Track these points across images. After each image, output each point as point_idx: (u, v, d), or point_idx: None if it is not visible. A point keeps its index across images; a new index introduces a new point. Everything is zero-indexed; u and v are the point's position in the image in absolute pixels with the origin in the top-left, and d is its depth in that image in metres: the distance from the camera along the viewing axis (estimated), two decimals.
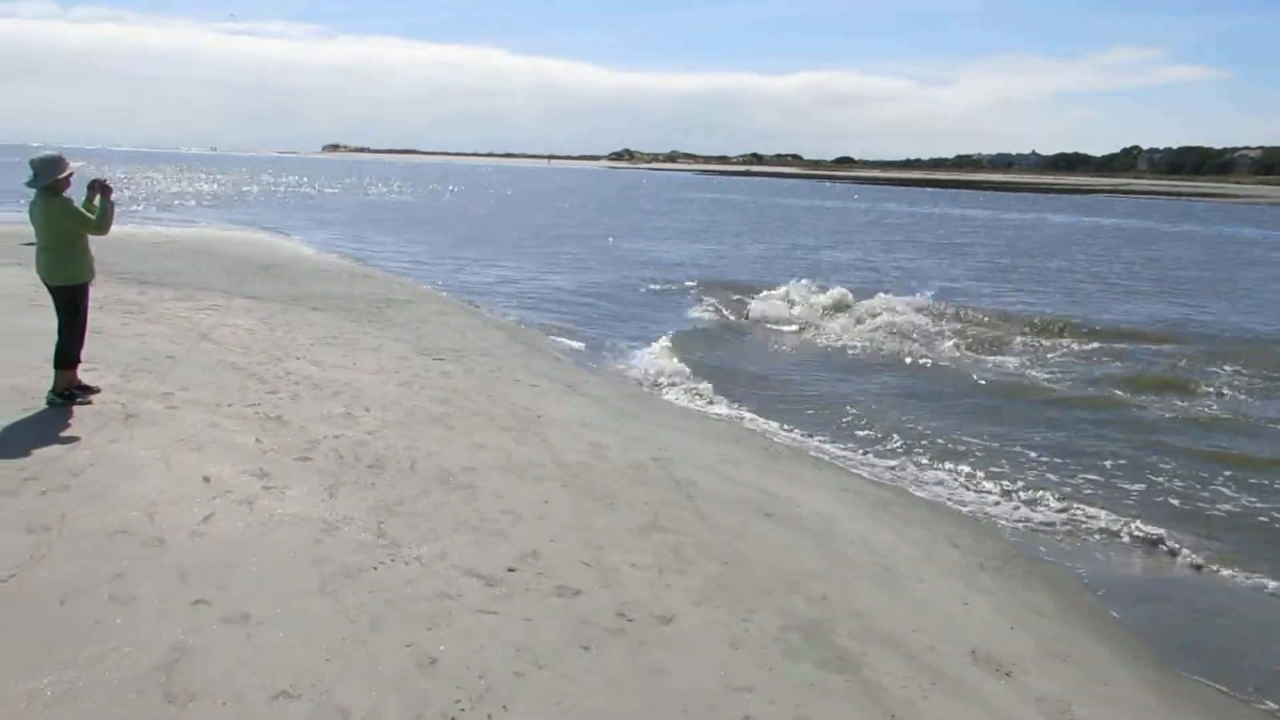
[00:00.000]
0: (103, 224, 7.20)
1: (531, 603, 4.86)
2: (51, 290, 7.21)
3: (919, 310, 18.62)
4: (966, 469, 9.14)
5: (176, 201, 44.47)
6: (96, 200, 7.31)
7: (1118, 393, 12.73)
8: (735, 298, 20.22)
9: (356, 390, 8.79)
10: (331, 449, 6.91)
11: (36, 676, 3.71)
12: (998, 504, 8.33)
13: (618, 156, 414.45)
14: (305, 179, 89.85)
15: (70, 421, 6.84)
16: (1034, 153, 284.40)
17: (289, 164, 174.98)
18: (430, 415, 8.25)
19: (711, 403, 11.19)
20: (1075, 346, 16.32)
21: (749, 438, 9.55)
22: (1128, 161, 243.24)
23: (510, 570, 5.21)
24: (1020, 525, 7.90)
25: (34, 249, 7.24)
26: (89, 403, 7.26)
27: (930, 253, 34.81)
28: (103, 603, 4.31)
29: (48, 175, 6.95)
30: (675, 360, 13.13)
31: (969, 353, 15.27)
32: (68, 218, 7.03)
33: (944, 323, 17.88)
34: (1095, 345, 16.43)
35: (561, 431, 8.28)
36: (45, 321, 9.93)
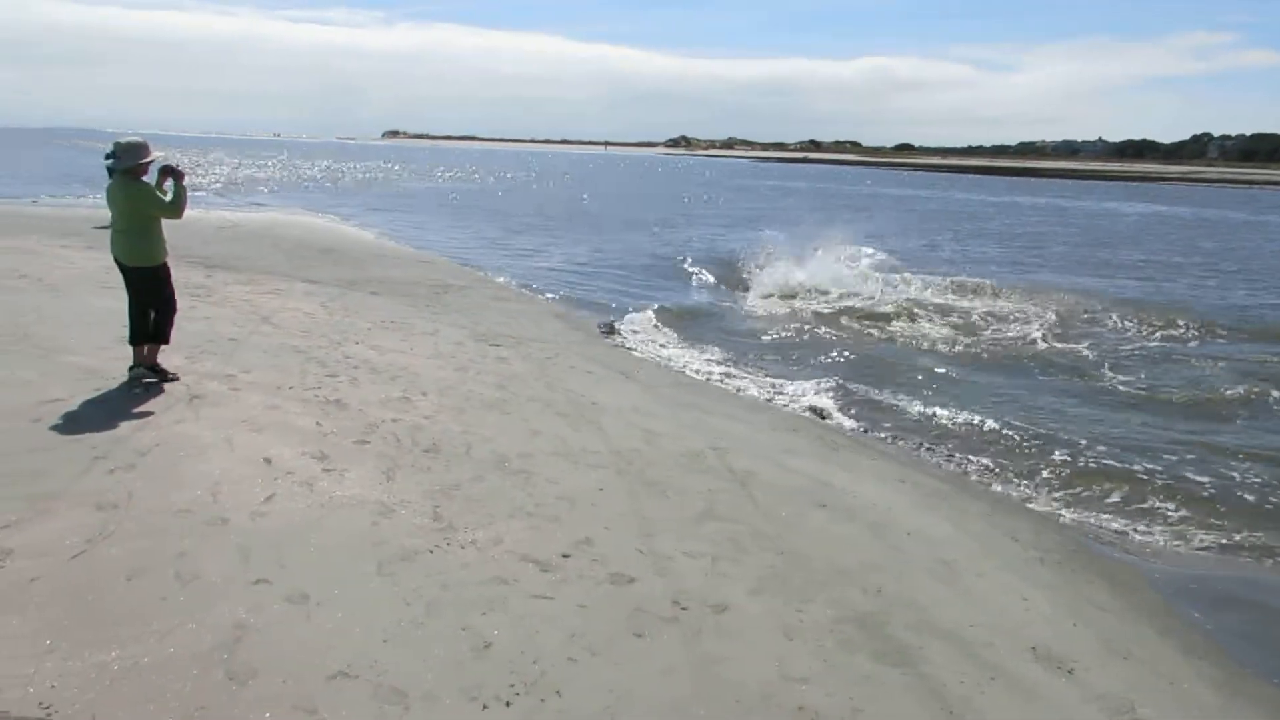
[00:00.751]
0: (178, 208, 7.46)
1: (585, 589, 4.86)
2: (129, 271, 7.45)
3: (995, 298, 18.36)
4: (1026, 460, 8.97)
5: (239, 187, 45.32)
6: (168, 184, 7.50)
7: (1192, 387, 12.36)
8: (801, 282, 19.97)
9: (414, 375, 8.88)
10: (389, 432, 6.98)
11: (105, 650, 3.81)
12: (1058, 496, 8.17)
13: (674, 143, 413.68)
14: (366, 164, 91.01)
15: (138, 402, 7.01)
16: (1100, 139, 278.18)
17: (350, 150, 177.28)
18: (486, 401, 8.31)
19: (779, 392, 11.12)
20: (1149, 336, 15.92)
21: (805, 426, 9.47)
22: (1197, 149, 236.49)
23: (564, 556, 5.22)
24: (1082, 519, 7.73)
25: (107, 231, 7.44)
26: (170, 380, 7.56)
27: (1001, 242, 34.01)
28: (168, 580, 4.40)
29: (130, 159, 7.20)
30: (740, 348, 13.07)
31: (1044, 341, 14.94)
32: (147, 201, 7.30)
33: (1026, 306, 17.62)
34: (1171, 335, 16.01)
35: (616, 418, 8.28)
36: (116, 302, 10.19)
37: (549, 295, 17.14)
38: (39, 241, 15.62)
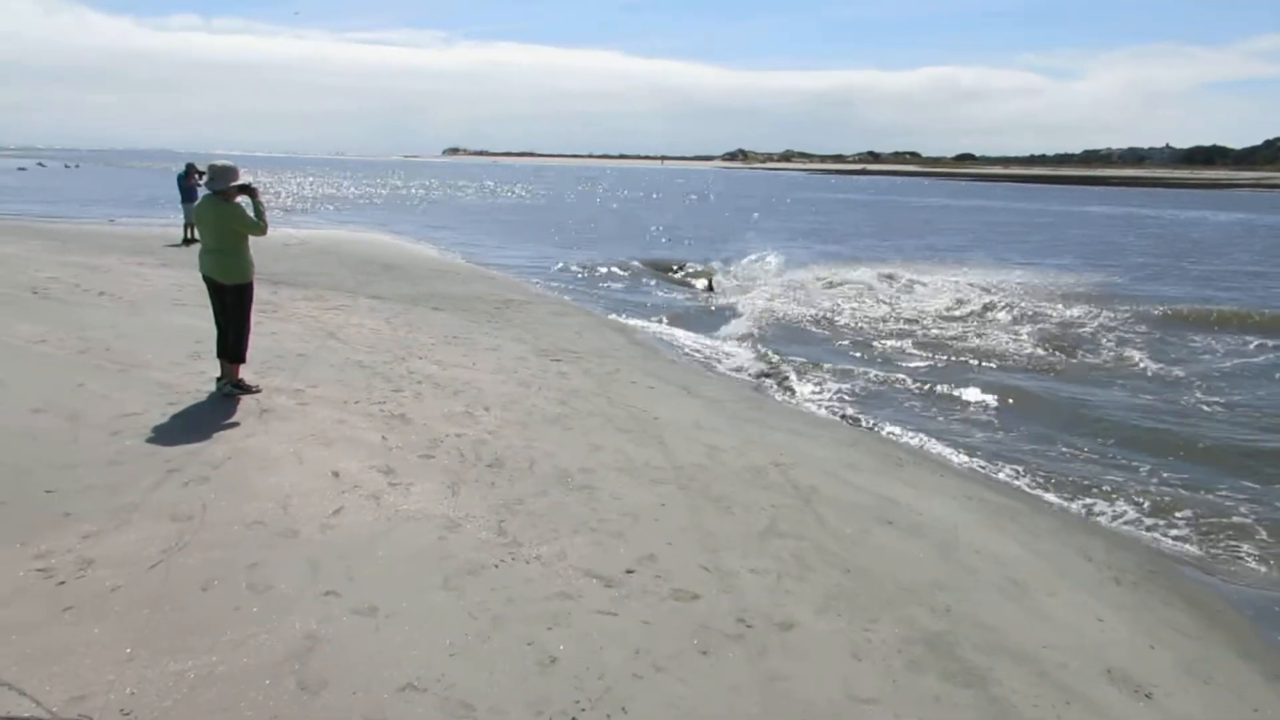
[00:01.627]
0: (262, 225, 7.83)
1: (650, 605, 4.85)
2: (222, 288, 7.77)
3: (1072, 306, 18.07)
4: (1099, 476, 8.76)
5: (304, 204, 46.31)
6: (240, 200, 7.80)
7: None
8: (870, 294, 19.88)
9: (477, 390, 8.97)
10: (453, 447, 7.06)
11: (181, 659, 3.89)
12: (1133, 514, 7.96)
13: (731, 156, 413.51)
14: (427, 182, 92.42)
15: (211, 415, 7.19)
16: (1168, 146, 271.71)
17: (411, 167, 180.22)
18: (548, 415, 8.35)
19: (849, 413, 11.02)
20: (1243, 350, 15.44)
21: (868, 442, 9.36)
22: (1270, 154, 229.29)
23: (628, 572, 5.22)
24: (1158, 538, 7.52)
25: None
26: (253, 393, 7.93)
27: (1082, 253, 33.19)
28: (241, 590, 4.49)
29: (221, 181, 7.64)
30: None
31: (1125, 351, 14.58)
32: (239, 221, 7.67)
33: (1103, 314, 17.27)
34: (1266, 347, 15.54)
35: (677, 433, 8.27)
36: (189, 319, 10.47)
37: (605, 310, 17.22)
38: (118, 260, 16.11)
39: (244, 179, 7.88)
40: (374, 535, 5.31)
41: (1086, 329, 16.67)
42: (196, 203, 8.08)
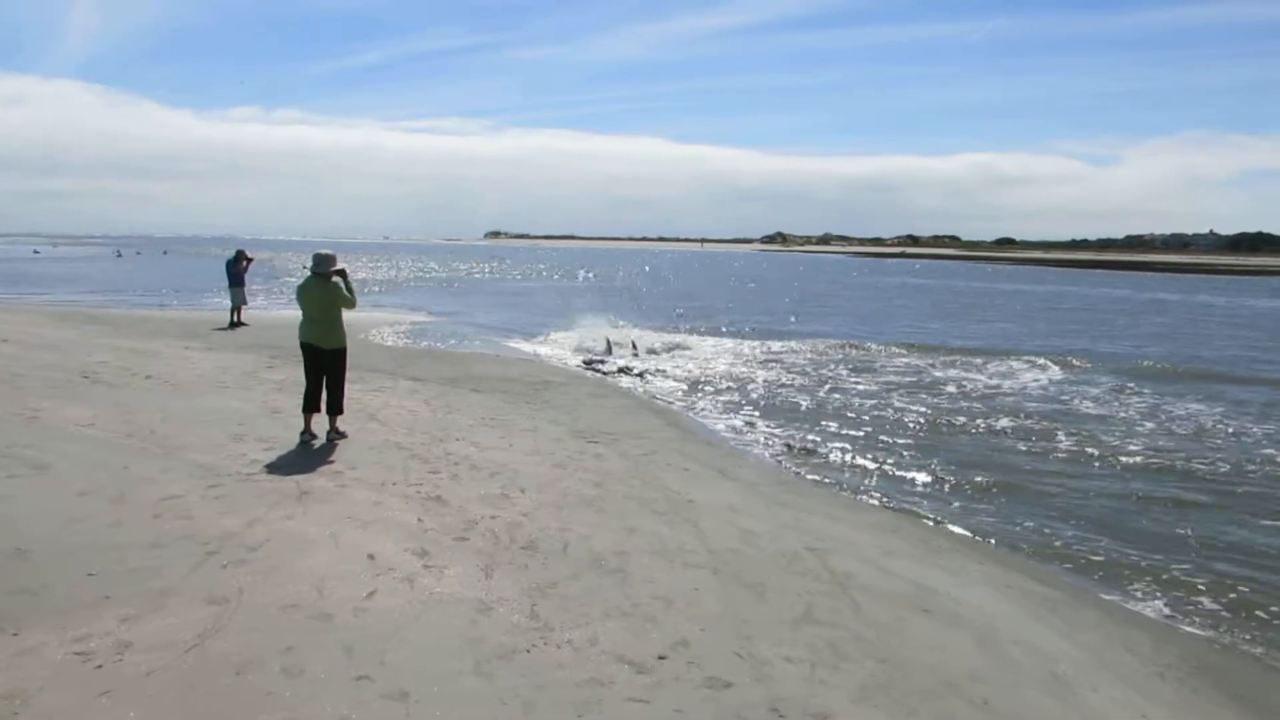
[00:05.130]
0: (354, 300, 9.78)
1: (682, 693, 4.79)
2: (322, 352, 9.51)
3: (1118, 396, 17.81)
4: (1144, 567, 8.53)
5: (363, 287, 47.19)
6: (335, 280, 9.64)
7: None
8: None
9: (513, 471, 9.02)
10: (488, 529, 7.08)
11: None
12: (1180, 607, 7.72)
13: (770, 239, 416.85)
14: (467, 264, 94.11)
15: (251, 498, 7.29)
16: (1212, 232, 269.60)
17: (453, 250, 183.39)
18: (583, 498, 8.36)
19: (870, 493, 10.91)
20: None
21: (906, 527, 9.23)
22: None
23: (661, 658, 5.16)
24: (1207, 632, 7.27)
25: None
26: (343, 438, 9.66)
27: (1155, 340, 32.22)
28: (274, 674, 4.51)
29: (324, 267, 9.52)
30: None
31: (1175, 442, 14.31)
32: (340, 297, 9.58)
33: (1159, 403, 16.99)
34: None
35: (712, 517, 8.24)
36: (232, 402, 10.71)
37: (640, 390, 17.28)
38: (165, 344, 16.53)
39: (341, 266, 9.67)
40: (407, 618, 5.32)
41: (1129, 414, 16.41)
42: (299, 283, 9.83)
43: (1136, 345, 29.05)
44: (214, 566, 5.82)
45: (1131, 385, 19.58)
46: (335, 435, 9.61)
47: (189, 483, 7.57)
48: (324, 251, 9.73)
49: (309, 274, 9.61)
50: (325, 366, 9.52)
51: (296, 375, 13.71)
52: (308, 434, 9.41)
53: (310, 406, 9.50)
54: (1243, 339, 32.38)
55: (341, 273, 9.64)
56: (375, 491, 7.81)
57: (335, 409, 9.64)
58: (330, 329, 9.52)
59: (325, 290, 9.46)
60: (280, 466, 8.34)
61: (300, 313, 9.77)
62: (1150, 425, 15.32)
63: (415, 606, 5.50)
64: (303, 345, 9.58)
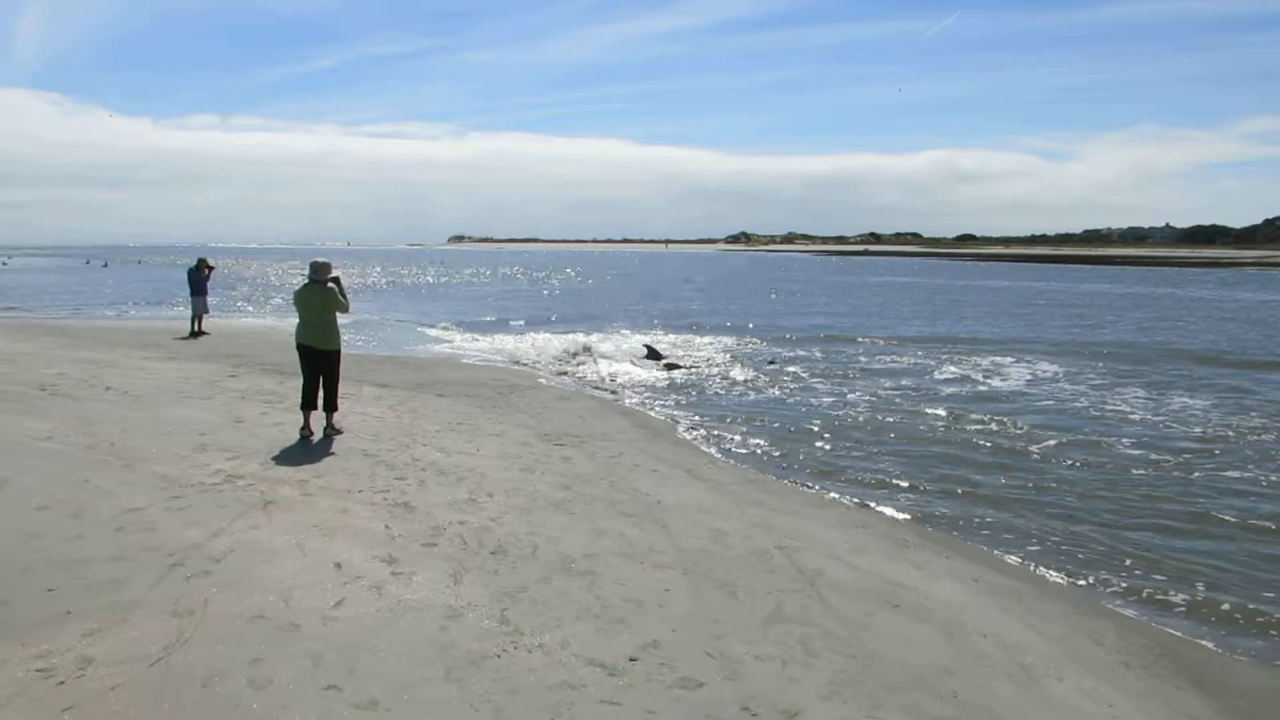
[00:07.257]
0: (348, 304, 10.45)
1: (654, 694, 4.80)
2: (318, 353, 10.23)
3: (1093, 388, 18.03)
4: (1110, 559, 8.65)
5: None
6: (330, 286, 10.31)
7: None
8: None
9: (480, 476, 8.98)
10: (456, 535, 7.05)
11: None
12: (1145, 597, 7.83)
13: (734, 239, 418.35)
14: (432, 268, 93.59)
15: (214, 508, 7.20)
16: (1168, 225, 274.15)
17: (416, 255, 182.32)
18: (552, 501, 8.35)
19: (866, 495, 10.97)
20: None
21: (874, 524, 9.29)
22: (1271, 233, 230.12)
23: (632, 660, 5.17)
24: (1169, 622, 7.38)
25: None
26: (340, 434, 10.32)
27: (1141, 332, 32.46)
28: (241, 686, 4.46)
29: (321, 274, 10.23)
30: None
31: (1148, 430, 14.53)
32: (336, 302, 10.23)
33: (1127, 395, 17.21)
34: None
35: (681, 517, 8.25)
36: (194, 412, 10.58)
37: (606, 393, 17.27)
38: (124, 354, 16.29)
39: (337, 273, 10.42)
40: (376, 626, 5.28)
41: (1102, 408, 16.64)
42: (297, 288, 10.49)
43: (1117, 336, 29.49)
44: (178, 579, 5.74)
45: (1095, 379, 19.87)
46: (332, 431, 10.26)
47: (151, 495, 7.46)
48: (320, 259, 10.47)
49: (306, 280, 10.32)
50: (321, 367, 10.24)
51: (261, 383, 13.58)
52: (306, 430, 10.05)
53: (308, 404, 10.20)
54: (1230, 331, 32.91)
55: (336, 279, 10.32)
56: (341, 499, 7.74)
57: (331, 406, 10.37)
58: (325, 331, 10.28)
59: (323, 294, 10.18)
60: (244, 476, 8.24)
61: (297, 316, 10.51)
62: (1111, 417, 15.54)
63: (384, 614, 5.46)
64: (299, 347, 10.31)
